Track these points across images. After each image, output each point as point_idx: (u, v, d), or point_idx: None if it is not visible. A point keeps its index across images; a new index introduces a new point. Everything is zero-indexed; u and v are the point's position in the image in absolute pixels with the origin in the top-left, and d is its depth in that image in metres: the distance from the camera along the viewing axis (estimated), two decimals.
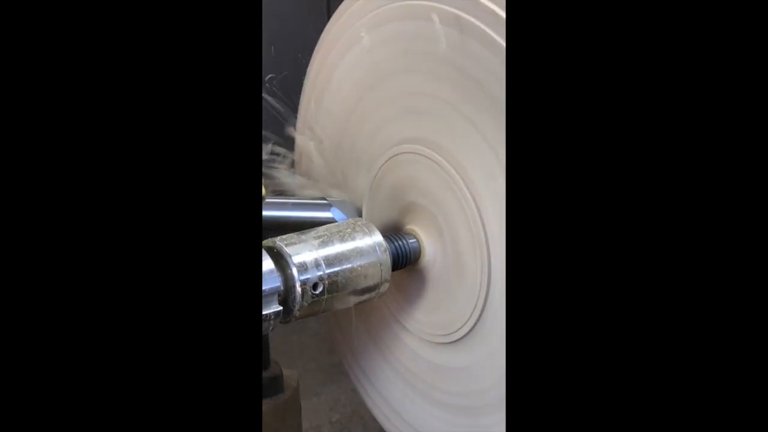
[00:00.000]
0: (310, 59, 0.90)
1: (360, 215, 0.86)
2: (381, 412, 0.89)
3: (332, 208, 0.84)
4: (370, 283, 0.75)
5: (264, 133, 0.76)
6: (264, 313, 0.68)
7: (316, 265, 0.71)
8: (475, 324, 0.74)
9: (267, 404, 0.81)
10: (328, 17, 0.86)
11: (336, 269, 0.72)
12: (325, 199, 0.86)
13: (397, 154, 0.79)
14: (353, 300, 0.75)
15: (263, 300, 0.68)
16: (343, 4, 0.83)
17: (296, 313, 0.71)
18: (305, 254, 0.71)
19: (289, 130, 0.92)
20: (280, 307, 0.69)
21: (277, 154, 0.87)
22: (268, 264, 0.69)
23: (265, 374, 0.81)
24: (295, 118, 0.93)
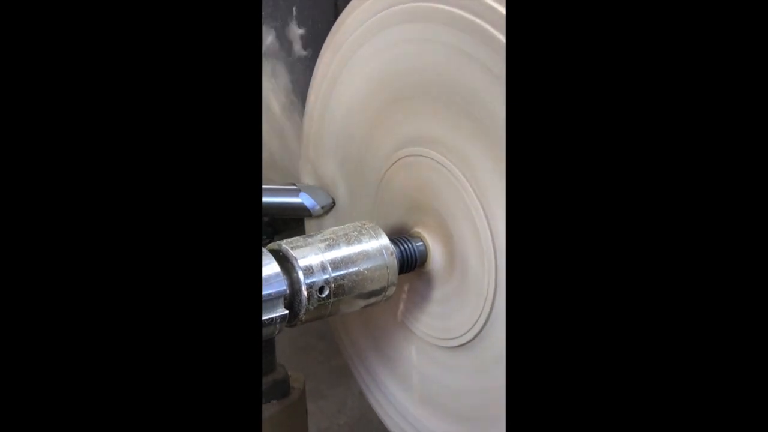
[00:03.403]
0: None
1: (331, 201, 0.85)
2: (387, 415, 0.89)
3: (301, 194, 0.84)
4: (376, 286, 0.74)
5: None
6: (270, 316, 0.68)
7: (323, 268, 0.71)
8: (482, 328, 0.74)
9: (274, 407, 0.81)
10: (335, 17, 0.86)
11: (342, 272, 0.72)
12: (294, 184, 0.85)
13: (405, 156, 0.79)
14: (360, 303, 0.74)
15: (269, 303, 0.68)
16: (350, 4, 0.82)
17: (302, 316, 0.70)
18: (311, 257, 0.71)
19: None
20: (286, 311, 0.69)
21: None
22: (274, 267, 0.69)
23: (272, 377, 0.81)
24: None
